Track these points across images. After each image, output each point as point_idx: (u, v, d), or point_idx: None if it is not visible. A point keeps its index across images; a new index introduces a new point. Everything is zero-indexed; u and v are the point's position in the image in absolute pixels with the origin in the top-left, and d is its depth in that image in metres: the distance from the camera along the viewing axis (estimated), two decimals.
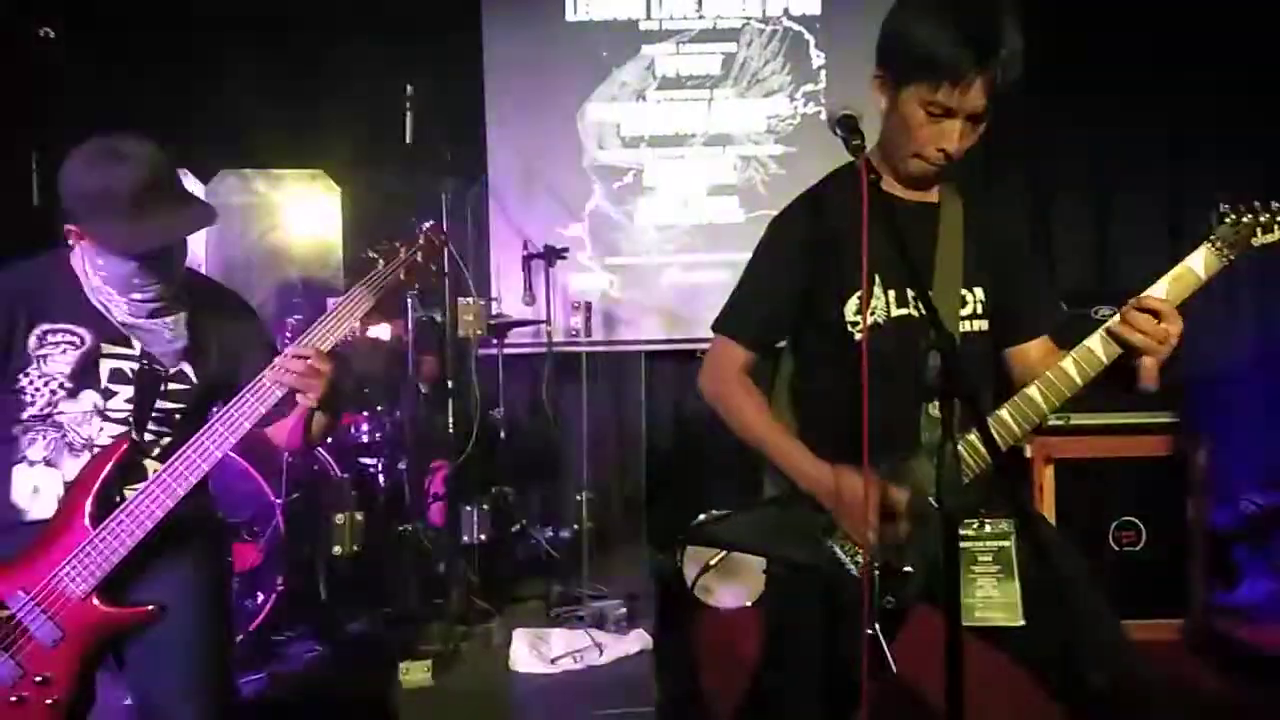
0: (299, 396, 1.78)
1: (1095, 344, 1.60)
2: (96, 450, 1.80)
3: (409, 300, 3.83)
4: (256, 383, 1.77)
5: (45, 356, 1.79)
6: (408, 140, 3.85)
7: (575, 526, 4.29)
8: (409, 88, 3.82)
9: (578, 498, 4.22)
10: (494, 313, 4.29)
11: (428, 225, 1.95)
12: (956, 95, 1.54)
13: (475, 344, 4.04)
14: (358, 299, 1.82)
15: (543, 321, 4.24)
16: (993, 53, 1.51)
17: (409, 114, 3.83)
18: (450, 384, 3.89)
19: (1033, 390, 1.61)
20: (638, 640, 3.25)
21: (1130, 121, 4.72)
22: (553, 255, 4.21)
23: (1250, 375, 4.68)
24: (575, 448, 4.31)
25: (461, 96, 4.74)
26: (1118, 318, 1.57)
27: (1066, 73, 4.54)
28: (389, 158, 4.29)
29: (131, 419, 1.84)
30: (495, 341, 4.21)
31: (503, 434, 4.27)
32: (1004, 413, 1.62)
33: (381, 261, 1.87)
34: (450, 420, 3.88)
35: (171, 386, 1.88)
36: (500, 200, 4.85)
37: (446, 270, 3.77)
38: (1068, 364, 1.60)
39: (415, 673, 2.99)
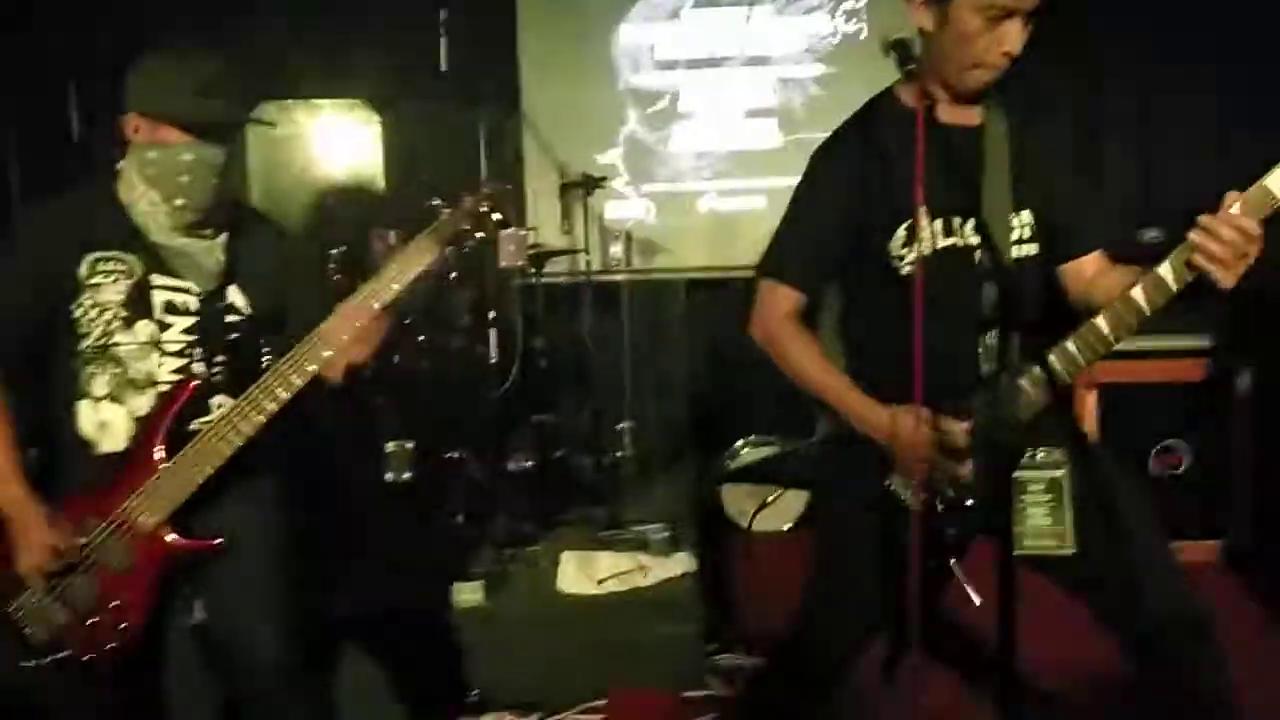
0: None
1: (1165, 272, 1.50)
2: (161, 386, 1.84)
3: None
4: (322, 330, 1.77)
5: (97, 286, 1.81)
6: (443, 68, 3.81)
7: (618, 453, 4.35)
8: (443, 13, 3.77)
9: (619, 426, 4.27)
10: (531, 242, 4.29)
11: (489, 180, 1.93)
12: None
13: (516, 275, 4.05)
14: (423, 249, 1.77)
15: (580, 250, 4.23)
16: None
17: (444, 41, 3.78)
18: (492, 314, 3.91)
19: (1100, 322, 1.55)
20: (681, 563, 3.32)
21: (1178, 42, 4.55)
22: (591, 184, 4.17)
23: None
24: (616, 376, 4.34)
25: (494, 22, 4.66)
26: (1197, 233, 1.47)
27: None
28: (424, 86, 4.25)
29: (192, 352, 1.87)
30: (533, 271, 4.21)
31: (544, 363, 4.30)
32: (1070, 345, 1.57)
33: (445, 212, 1.82)
34: (493, 350, 3.92)
35: (227, 319, 1.91)
36: (534, 127, 4.81)
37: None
38: (1136, 293, 1.52)
39: (467, 593, 3.07)
